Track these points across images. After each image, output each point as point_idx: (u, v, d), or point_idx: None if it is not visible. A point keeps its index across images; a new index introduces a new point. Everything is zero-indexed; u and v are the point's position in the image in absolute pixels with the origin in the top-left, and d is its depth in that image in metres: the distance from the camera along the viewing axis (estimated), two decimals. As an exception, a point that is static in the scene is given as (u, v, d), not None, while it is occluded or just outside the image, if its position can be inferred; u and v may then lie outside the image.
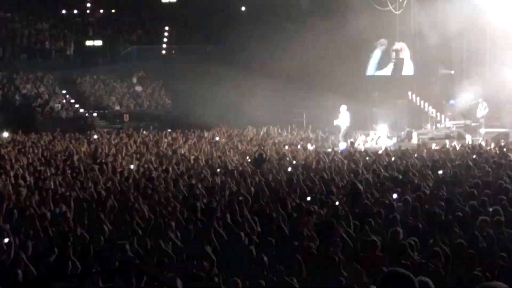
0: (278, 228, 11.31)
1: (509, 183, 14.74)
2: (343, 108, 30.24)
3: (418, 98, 34.70)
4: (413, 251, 9.81)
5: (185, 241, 10.73)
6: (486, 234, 10.54)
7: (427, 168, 17.97)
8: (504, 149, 22.06)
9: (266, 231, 11.23)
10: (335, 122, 30.43)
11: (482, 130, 30.87)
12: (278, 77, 36.77)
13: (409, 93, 35.09)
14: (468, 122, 32.73)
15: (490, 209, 11.79)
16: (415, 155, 22.04)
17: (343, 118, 29.79)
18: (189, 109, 36.93)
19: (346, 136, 29.46)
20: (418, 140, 29.22)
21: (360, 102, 35.57)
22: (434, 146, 25.63)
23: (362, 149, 26.07)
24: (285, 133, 32.76)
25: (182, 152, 24.12)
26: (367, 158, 21.57)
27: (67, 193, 14.57)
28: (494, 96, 32.47)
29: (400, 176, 16.74)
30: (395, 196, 13.96)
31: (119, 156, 22.27)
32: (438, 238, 10.19)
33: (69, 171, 18.87)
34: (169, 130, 33.97)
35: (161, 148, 25.50)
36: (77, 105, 40.82)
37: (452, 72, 36.24)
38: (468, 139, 28.22)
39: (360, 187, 14.25)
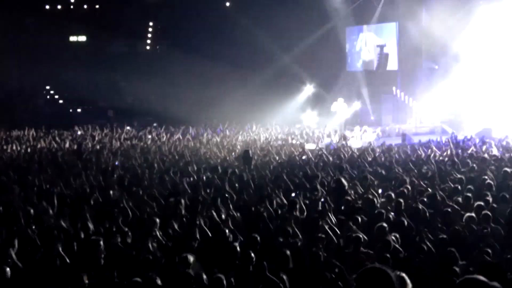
0: (263, 225, 11.32)
1: (492, 178, 14.82)
2: (340, 100, 30.49)
3: (402, 93, 34.87)
4: (397, 247, 9.85)
5: (170, 238, 10.71)
6: (470, 229, 10.60)
7: (411, 164, 18.03)
8: (487, 145, 22.17)
9: (252, 228, 11.22)
10: (332, 108, 30.70)
11: (465, 126, 31.03)
12: (262, 72, 36.87)
13: (394, 88, 35.23)
14: (451, 117, 32.93)
15: (475, 205, 11.82)
16: (399, 150, 22.11)
17: (341, 111, 30.02)
18: (173, 105, 36.93)
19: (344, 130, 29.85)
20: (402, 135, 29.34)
21: (344, 97, 35.78)
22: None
23: (347, 144, 26.12)
24: (270, 129, 32.75)
25: (167, 148, 24.09)
26: (352, 153, 21.59)
27: (51, 190, 14.50)
28: (476, 92, 32.73)
29: (384, 172, 16.80)
30: (379, 191, 14.00)
31: (104, 152, 22.20)
32: (423, 234, 10.22)
33: (53, 167, 18.79)
34: (154, 124, 34.00)
35: (145, 144, 25.46)
36: (61, 101, 40.68)
37: (436, 67, 36.38)
38: (452, 133, 28.31)
39: (345, 183, 14.26)
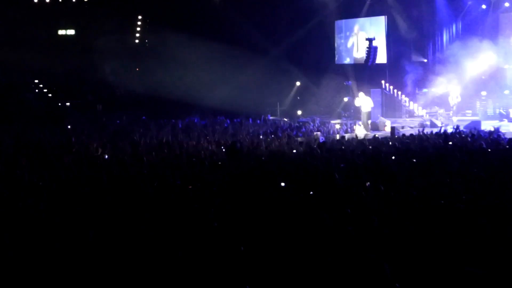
0: (253, 218, 11.30)
1: (481, 171, 14.86)
2: (361, 95, 30.86)
3: (391, 87, 34.96)
4: (387, 239, 9.85)
5: (159, 232, 10.68)
6: (460, 222, 10.61)
7: (401, 157, 18.05)
8: (476, 138, 22.23)
9: (242, 221, 11.20)
10: (357, 104, 31.09)
11: (455, 118, 31.18)
12: (251, 66, 36.87)
13: (383, 81, 35.32)
14: (441, 110, 33.09)
15: (464, 198, 11.87)
16: (390, 143, 22.15)
17: (365, 103, 30.37)
18: (162, 98, 36.90)
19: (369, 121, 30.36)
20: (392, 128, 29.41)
21: (332, 91, 35.90)
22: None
23: (337, 138, 26.17)
24: (259, 122, 32.81)
25: (156, 141, 24.06)
26: (342, 146, 21.62)
27: (40, 184, 14.45)
28: (466, 85, 32.94)
29: (374, 165, 16.81)
30: (368, 184, 13.99)
31: (93, 145, 22.14)
32: (413, 227, 10.23)
33: (42, 161, 18.71)
34: (144, 117, 34.00)
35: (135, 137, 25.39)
36: (50, 95, 40.54)
37: (425, 60, 36.51)
38: (441, 127, 28.39)
39: (337, 176, 14.26)
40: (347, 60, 38.35)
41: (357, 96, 31.04)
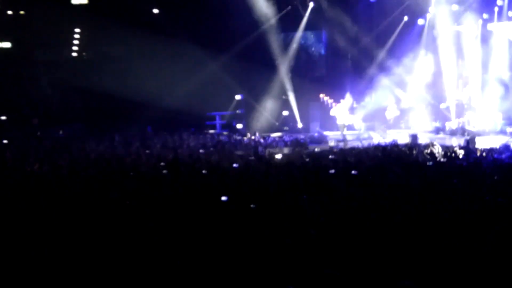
0: (193, 232, 11.23)
1: (418, 183, 15.07)
2: (339, 105, 31.00)
3: (330, 100, 35.32)
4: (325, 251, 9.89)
5: (101, 249, 10.52)
6: (398, 236, 10.72)
7: (340, 169, 18.18)
8: (414, 151, 22.57)
9: (181, 235, 11.12)
10: (332, 113, 31.17)
11: (392, 132, 31.65)
12: (191, 79, 36.84)
13: (321, 95, 35.67)
14: (378, 123, 33.58)
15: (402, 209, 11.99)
16: (329, 156, 22.31)
17: (340, 114, 30.55)
18: (100, 111, 36.56)
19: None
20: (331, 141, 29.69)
21: (272, 104, 36.04)
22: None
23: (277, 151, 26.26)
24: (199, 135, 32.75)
25: (94, 155, 23.80)
26: (281, 159, 21.70)
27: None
28: (403, 98, 33.54)
29: (313, 178, 16.89)
30: (304, 197, 14.03)
31: (29, 160, 21.79)
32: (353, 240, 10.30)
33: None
34: (82, 131, 33.61)
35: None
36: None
37: (363, 74, 37.01)
38: (379, 140, 28.77)
39: (275, 189, 14.29)
40: (286, 74, 38.60)
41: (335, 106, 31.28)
